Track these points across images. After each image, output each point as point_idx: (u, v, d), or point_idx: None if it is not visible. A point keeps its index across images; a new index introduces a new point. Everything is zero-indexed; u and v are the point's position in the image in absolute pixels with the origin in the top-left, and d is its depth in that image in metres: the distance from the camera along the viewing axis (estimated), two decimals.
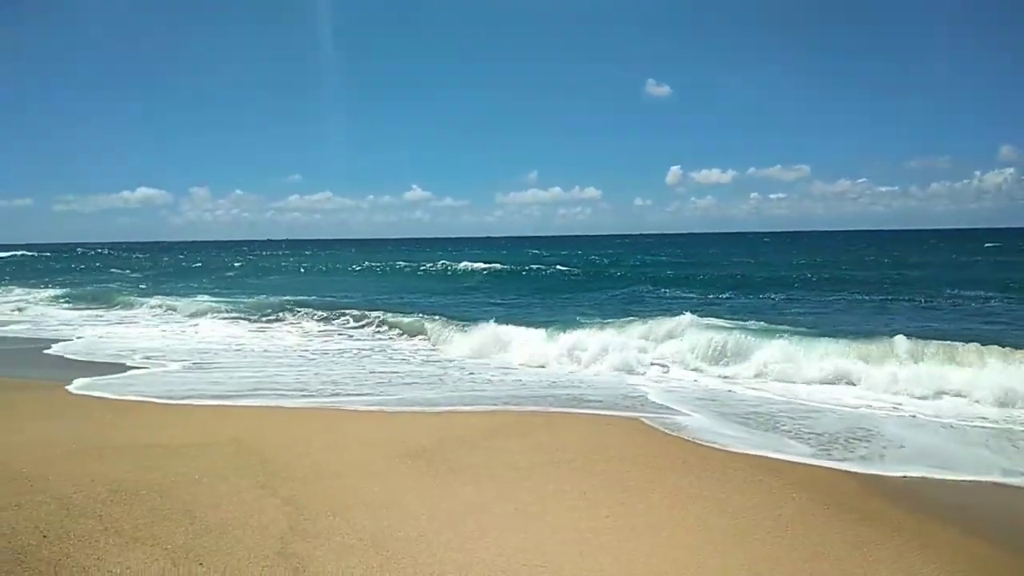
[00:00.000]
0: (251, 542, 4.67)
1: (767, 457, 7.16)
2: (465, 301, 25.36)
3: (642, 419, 8.79)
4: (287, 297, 23.74)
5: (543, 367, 12.92)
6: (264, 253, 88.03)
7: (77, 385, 10.64)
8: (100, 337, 17.10)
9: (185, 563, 4.33)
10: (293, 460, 6.68)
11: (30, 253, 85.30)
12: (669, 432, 8.15)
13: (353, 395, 10.40)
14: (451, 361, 13.66)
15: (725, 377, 11.82)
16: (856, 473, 6.71)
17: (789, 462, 7.00)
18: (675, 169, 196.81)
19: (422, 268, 47.36)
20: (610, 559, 4.62)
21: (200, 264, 61.85)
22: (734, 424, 8.65)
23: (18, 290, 31.16)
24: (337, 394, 10.49)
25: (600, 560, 4.59)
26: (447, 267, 46.48)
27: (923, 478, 6.61)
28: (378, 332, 17.69)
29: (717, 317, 16.36)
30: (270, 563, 4.38)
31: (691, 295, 25.20)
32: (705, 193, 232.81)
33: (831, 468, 6.86)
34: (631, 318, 16.28)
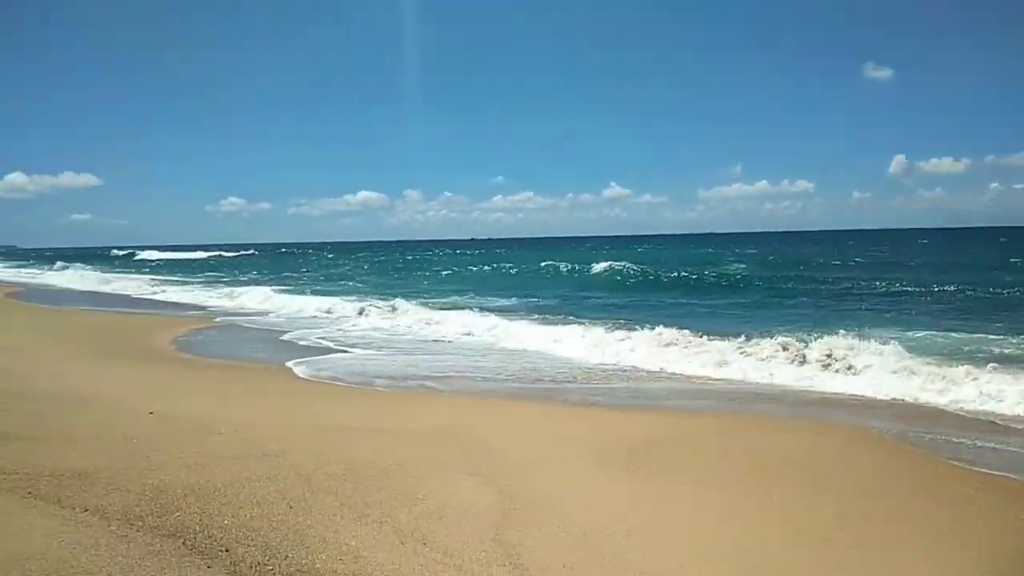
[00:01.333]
0: (469, 527, 4.91)
1: None
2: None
3: (871, 428, 8.19)
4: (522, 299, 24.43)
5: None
6: (469, 252, 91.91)
7: (302, 371, 11.76)
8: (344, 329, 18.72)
9: (411, 542, 4.64)
10: (505, 450, 6.94)
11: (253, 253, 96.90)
12: (910, 447, 7.52)
13: (563, 388, 10.61)
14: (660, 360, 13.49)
15: None
16: None
17: None
18: (899, 158, 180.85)
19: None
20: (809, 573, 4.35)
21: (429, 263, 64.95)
22: None
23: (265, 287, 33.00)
24: (550, 388, 10.74)
25: (800, 573, 4.35)
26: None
27: None
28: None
29: None
30: (487, 548, 4.58)
31: None
32: (934, 184, 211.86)
33: None
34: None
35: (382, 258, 77.29)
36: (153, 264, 74.26)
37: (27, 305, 25.25)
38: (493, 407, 9.25)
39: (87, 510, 4.96)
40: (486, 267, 48.37)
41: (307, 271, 53.63)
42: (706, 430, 7.96)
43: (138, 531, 4.64)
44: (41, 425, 7.32)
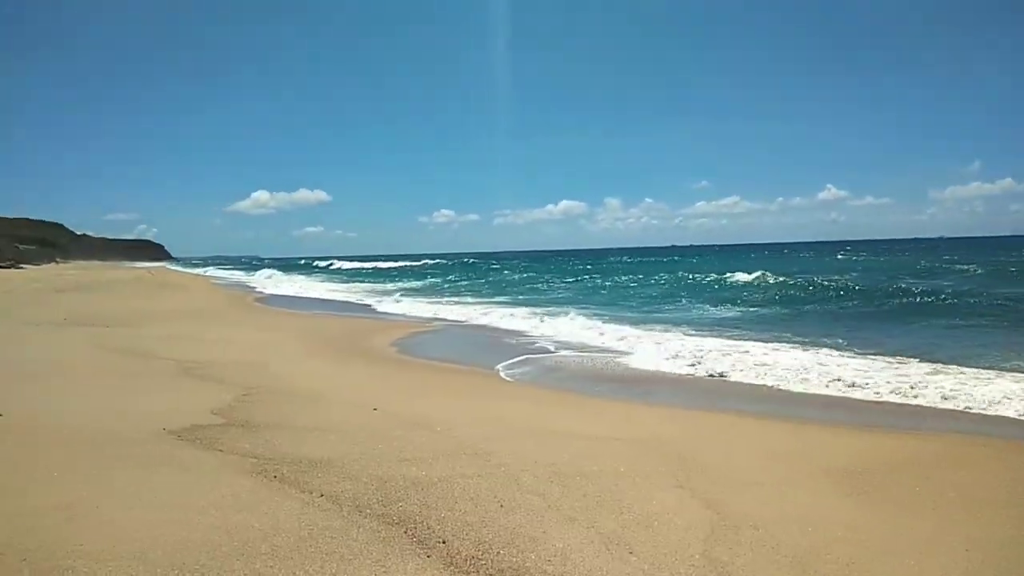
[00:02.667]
0: (676, 540, 4.83)
1: None
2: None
3: None
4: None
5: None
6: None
7: (509, 375, 12.14)
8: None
9: (617, 549, 4.65)
10: (709, 462, 6.74)
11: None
12: None
13: (759, 399, 10.13)
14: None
15: None
16: None
17: None
18: None
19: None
20: None
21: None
22: None
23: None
24: (745, 397, 10.31)
25: None
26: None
27: None
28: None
29: None
30: (695, 564, 4.48)
31: None
32: None
33: None
34: None
35: (581, 265, 77.58)
36: (348, 271, 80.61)
37: (269, 309, 28.27)
38: (699, 420, 9.02)
39: (322, 495, 5.48)
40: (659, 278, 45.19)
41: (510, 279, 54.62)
42: (956, 456, 7.22)
43: (366, 517, 5.06)
44: (284, 416, 8.19)
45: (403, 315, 25.34)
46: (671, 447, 7.29)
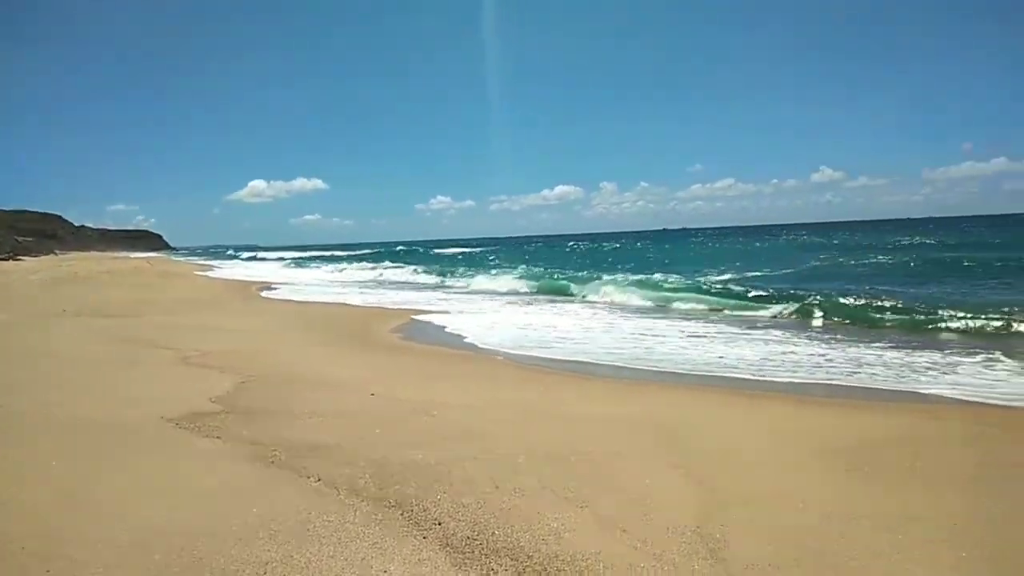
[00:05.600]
0: (669, 517, 4.88)
1: None
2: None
3: None
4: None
5: None
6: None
7: (506, 358, 12.18)
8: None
9: (611, 527, 4.70)
10: (705, 442, 6.79)
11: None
12: None
13: (768, 379, 10.18)
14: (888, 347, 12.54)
15: None
16: None
17: None
18: None
19: None
20: None
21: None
22: None
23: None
24: (760, 377, 10.36)
25: None
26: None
27: None
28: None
29: None
30: (688, 540, 4.53)
31: None
32: None
33: None
34: None
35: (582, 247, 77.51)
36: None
37: (269, 298, 28.31)
38: (696, 398, 9.07)
39: (320, 480, 5.53)
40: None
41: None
42: (944, 433, 7.27)
43: (363, 501, 5.10)
44: (283, 402, 8.23)
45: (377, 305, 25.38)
46: (667, 426, 7.34)
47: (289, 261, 74.28)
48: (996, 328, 14.02)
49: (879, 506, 5.18)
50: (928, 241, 50.91)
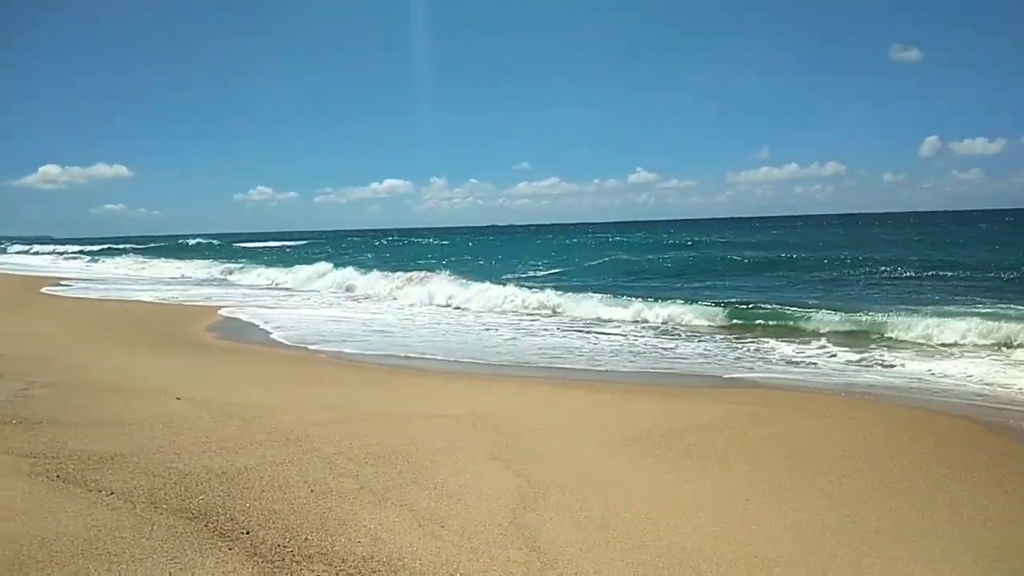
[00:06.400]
0: (486, 510, 4.93)
1: None
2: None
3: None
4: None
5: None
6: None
7: (328, 355, 11.86)
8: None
9: (429, 524, 4.67)
10: (523, 434, 6.94)
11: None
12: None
13: (581, 370, 10.58)
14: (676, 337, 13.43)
15: None
16: None
17: None
18: (931, 140, 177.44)
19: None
20: (850, 560, 4.30)
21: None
22: None
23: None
24: (569, 368, 10.73)
25: (838, 561, 4.30)
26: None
27: None
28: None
29: None
30: (504, 531, 4.59)
31: None
32: (970, 166, 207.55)
33: None
34: None
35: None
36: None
37: (62, 296, 25.73)
38: (514, 389, 9.27)
39: (112, 493, 5.06)
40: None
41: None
42: (744, 415, 7.86)
43: (162, 514, 4.73)
44: (74, 411, 7.46)
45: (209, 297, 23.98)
46: (489, 420, 7.43)
47: (78, 255, 65.88)
48: (799, 323, 15.38)
49: (682, 488, 5.53)
50: (720, 240, 55.29)
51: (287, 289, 28.37)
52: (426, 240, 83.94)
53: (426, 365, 11.38)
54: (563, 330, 15.41)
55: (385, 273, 27.38)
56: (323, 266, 31.44)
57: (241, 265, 38.94)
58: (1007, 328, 12.13)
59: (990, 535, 4.71)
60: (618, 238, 65.09)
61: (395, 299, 22.44)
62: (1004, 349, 11.56)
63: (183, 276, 37.51)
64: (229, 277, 35.28)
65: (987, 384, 9.61)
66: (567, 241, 66.86)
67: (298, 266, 33.57)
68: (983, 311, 14.77)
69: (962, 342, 12.25)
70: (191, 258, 49.58)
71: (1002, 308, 15.50)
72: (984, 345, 11.92)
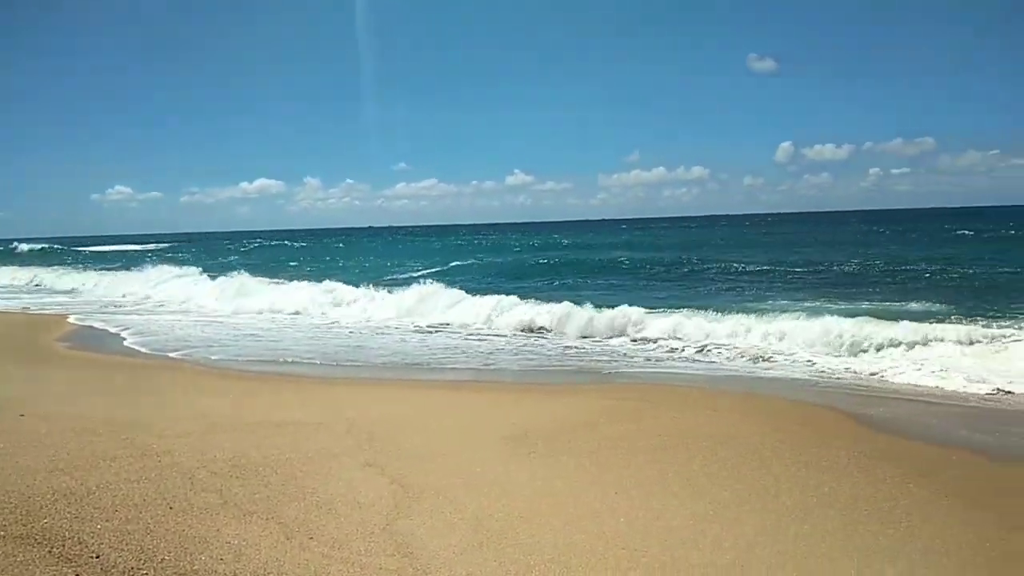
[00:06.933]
0: (358, 518, 4.82)
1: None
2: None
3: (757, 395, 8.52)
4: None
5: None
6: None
7: (194, 364, 11.31)
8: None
9: (297, 536, 4.52)
10: (400, 439, 6.85)
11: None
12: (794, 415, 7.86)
13: (458, 370, 10.58)
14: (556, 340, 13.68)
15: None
16: None
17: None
18: (785, 145, 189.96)
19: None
20: (711, 544, 4.50)
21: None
22: None
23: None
24: (441, 370, 10.69)
25: (701, 545, 4.48)
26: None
27: None
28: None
29: None
30: (376, 539, 4.51)
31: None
32: (820, 170, 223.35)
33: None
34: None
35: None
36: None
37: None
38: (391, 393, 9.15)
39: None
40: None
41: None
42: (619, 411, 8.07)
43: (0, 540, 4.34)
44: None
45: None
46: (363, 426, 7.29)
47: None
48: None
49: (556, 484, 5.61)
50: (588, 243, 57.25)
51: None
52: (295, 243, 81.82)
53: (299, 370, 11.06)
54: (449, 335, 15.38)
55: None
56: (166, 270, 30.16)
57: (59, 273, 36.55)
58: (840, 324, 12.83)
59: (836, 515, 5.04)
60: (491, 239, 66.23)
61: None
62: (840, 338, 12.26)
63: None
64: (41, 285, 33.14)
65: (822, 372, 10.36)
66: (437, 244, 67.39)
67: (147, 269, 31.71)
68: (811, 306, 15.88)
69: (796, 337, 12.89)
70: (10, 264, 46.15)
71: (830, 304, 16.73)
72: (828, 341, 12.65)
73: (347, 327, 16.47)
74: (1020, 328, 12.18)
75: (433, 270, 33.85)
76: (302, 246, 73.55)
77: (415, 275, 31.93)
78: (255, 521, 4.74)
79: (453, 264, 37.36)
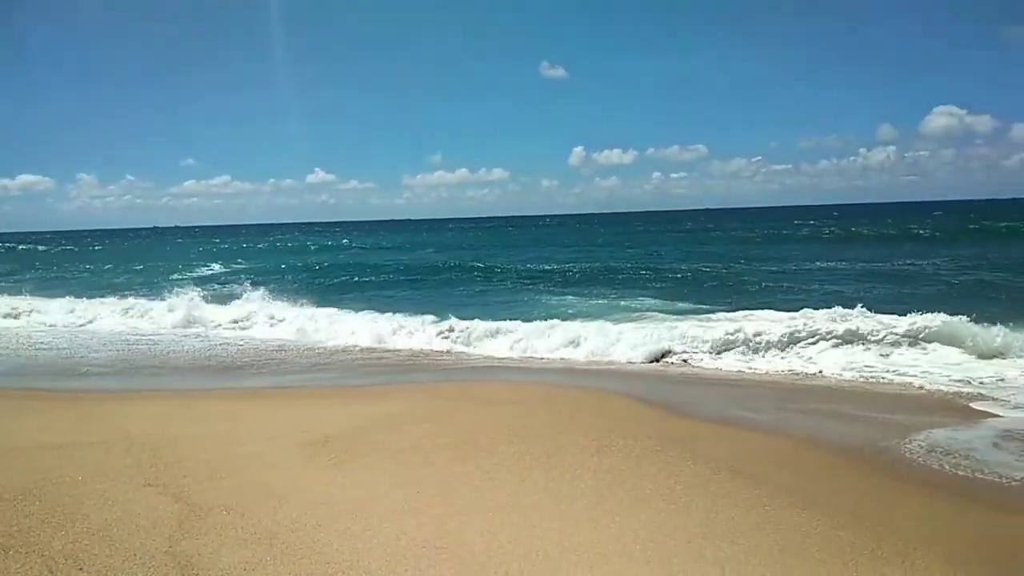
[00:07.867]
0: (137, 543, 4.44)
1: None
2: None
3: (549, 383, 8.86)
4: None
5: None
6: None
7: None
8: None
9: (64, 568, 4.09)
10: (189, 455, 6.40)
11: None
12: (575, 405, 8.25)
13: (254, 378, 10.10)
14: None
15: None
16: None
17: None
18: (578, 150, 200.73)
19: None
20: (509, 535, 4.62)
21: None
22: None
23: None
24: (239, 377, 10.16)
25: (500, 537, 4.59)
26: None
27: None
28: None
29: None
30: (156, 563, 4.18)
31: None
32: (609, 174, 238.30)
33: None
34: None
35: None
36: None
37: None
38: (177, 405, 8.54)
39: None
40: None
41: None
42: (420, 411, 8.04)
43: None
44: None
45: None
46: (145, 442, 6.74)
47: None
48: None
49: (355, 490, 5.50)
50: (387, 246, 57.79)
51: None
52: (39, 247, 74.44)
53: (69, 385, 10.02)
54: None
55: None
56: None
57: None
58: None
59: (625, 496, 5.36)
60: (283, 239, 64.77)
61: None
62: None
63: None
64: None
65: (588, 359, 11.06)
66: (222, 245, 64.72)
67: None
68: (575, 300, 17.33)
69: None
70: None
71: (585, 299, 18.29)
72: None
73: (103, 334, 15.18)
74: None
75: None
76: (43, 250, 67.23)
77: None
78: (12, 556, 4.23)
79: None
